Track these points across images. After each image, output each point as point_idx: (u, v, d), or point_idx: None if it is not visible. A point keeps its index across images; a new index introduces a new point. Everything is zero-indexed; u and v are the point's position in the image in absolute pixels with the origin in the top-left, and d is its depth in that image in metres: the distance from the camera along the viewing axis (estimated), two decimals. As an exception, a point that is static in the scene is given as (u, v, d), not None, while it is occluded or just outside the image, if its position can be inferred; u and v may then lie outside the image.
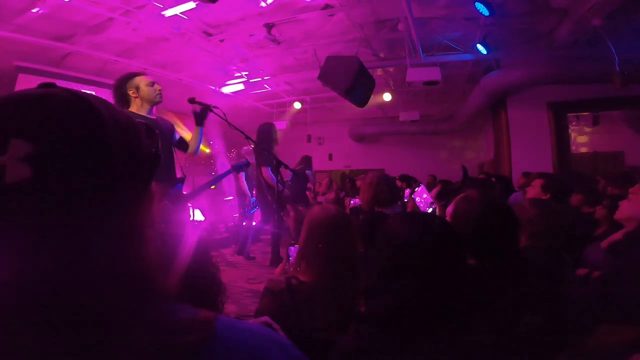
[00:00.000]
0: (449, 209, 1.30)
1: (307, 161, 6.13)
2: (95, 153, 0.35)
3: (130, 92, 2.30)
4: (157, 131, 0.47)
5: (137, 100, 2.32)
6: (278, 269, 1.59)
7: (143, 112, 2.33)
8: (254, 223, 5.13)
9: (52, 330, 0.32)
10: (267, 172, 4.30)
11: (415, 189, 2.58)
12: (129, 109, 2.32)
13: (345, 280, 1.29)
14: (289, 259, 1.59)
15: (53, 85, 0.39)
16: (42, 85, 0.39)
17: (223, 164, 8.31)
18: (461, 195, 1.31)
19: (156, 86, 2.37)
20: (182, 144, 2.64)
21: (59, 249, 0.33)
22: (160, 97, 2.39)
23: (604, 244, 1.86)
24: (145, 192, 0.41)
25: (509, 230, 1.21)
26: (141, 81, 2.33)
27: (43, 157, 0.32)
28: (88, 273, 0.34)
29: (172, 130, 2.56)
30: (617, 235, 1.85)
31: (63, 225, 0.33)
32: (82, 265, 0.34)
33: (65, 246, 0.33)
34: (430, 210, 2.40)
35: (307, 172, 6.02)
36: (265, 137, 4.31)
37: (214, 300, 0.69)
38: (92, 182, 0.34)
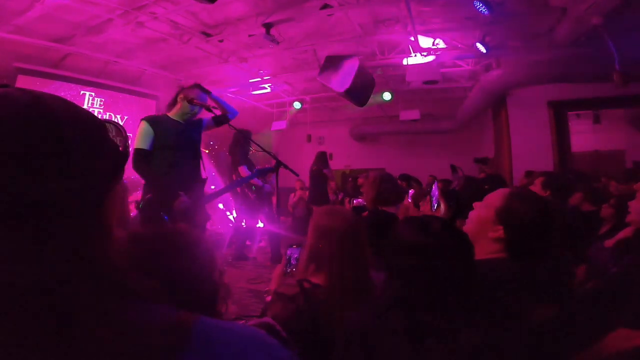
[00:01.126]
0: (494, 202, 1.21)
1: (322, 158, 5.89)
2: (52, 151, 0.34)
3: (180, 97, 2.53)
4: (124, 134, 0.48)
5: (180, 106, 2.53)
6: (277, 271, 1.58)
7: (178, 118, 2.54)
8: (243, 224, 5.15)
9: (21, 332, 0.31)
10: (244, 171, 4.38)
11: (432, 187, 2.62)
12: (171, 111, 2.56)
13: (358, 280, 1.29)
14: (289, 261, 1.58)
15: (7, 85, 0.39)
16: None
17: (221, 164, 8.32)
18: (511, 191, 1.24)
19: (196, 109, 2.55)
20: (219, 119, 2.79)
21: (21, 250, 0.33)
22: (191, 117, 2.57)
23: (610, 242, 1.84)
24: (111, 190, 0.41)
25: (554, 229, 1.20)
26: (193, 94, 2.53)
27: None
28: (51, 273, 0.33)
29: (201, 126, 2.71)
30: (626, 233, 1.83)
31: (23, 224, 0.33)
32: (45, 265, 0.33)
33: (28, 246, 0.33)
34: (435, 207, 2.42)
35: (323, 170, 5.85)
36: (237, 141, 4.46)
37: (214, 301, 0.69)
38: (50, 179, 0.34)
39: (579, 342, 1.06)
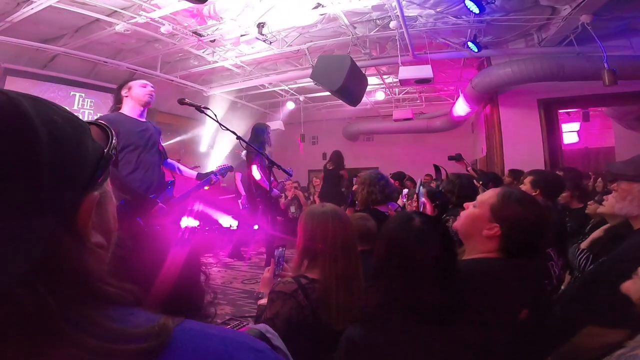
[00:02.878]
0: (487, 200, 1.21)
1: (338, 159, 5.73)
2: (19, 153, 0.32)
3: (123, 92, 2.41)
4: (113, 132, 0.45)
5: (129, 100, 2.41)
6: (267, 274, 1.58)
7: (134, 115, 2.41)
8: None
9: None
10: (254, 170, 4.30)
11: (419, 187, 2.66)
12: (121, 110, 2.41)
13: (350, 271, 1.33)
14: (279, 262, 1.58)
15: None
16: None
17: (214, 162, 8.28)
18: (504, 189, 1.24)
19: (148, 88, 2.45)
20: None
21: None
22: (150, 98, 2.45)
23: (585, 244, 1.86)
24: (88, 194, 0.38)
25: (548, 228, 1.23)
26: (135, 83, 2.43)
27: None
28: (17, 280, 0.31)
29: (160, 135, 2.60)
30: (598, 233, 1.85)
31: None
32: (9, 273, 0.31)
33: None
34: (421, 208, 2.47)
35: (324, 167, 5.77)
36: (255, 137, 4.31)
37: (198, 306, 0.67)
38: (20, 182, 0.32)
39: (555, 340, 1.09)
